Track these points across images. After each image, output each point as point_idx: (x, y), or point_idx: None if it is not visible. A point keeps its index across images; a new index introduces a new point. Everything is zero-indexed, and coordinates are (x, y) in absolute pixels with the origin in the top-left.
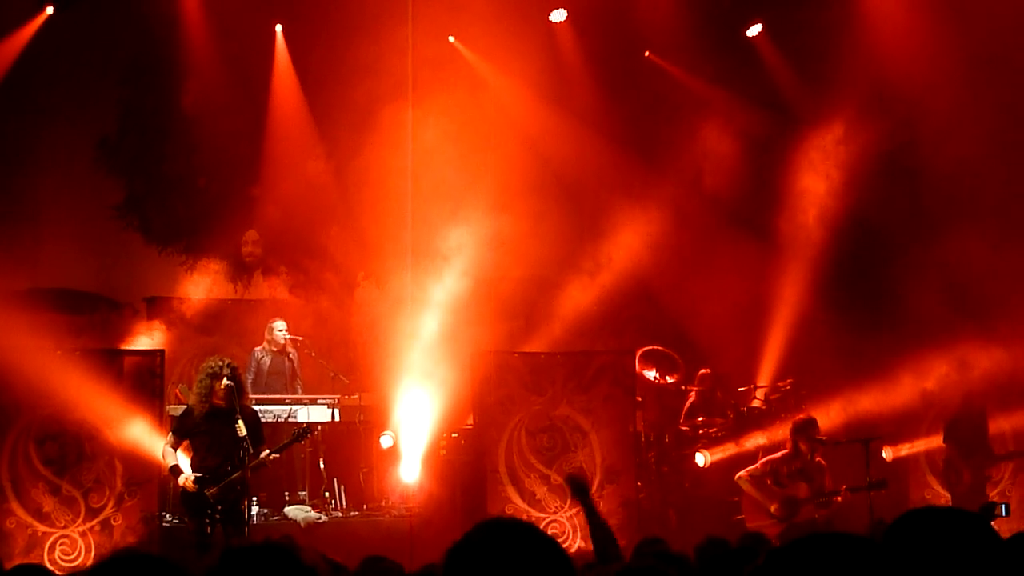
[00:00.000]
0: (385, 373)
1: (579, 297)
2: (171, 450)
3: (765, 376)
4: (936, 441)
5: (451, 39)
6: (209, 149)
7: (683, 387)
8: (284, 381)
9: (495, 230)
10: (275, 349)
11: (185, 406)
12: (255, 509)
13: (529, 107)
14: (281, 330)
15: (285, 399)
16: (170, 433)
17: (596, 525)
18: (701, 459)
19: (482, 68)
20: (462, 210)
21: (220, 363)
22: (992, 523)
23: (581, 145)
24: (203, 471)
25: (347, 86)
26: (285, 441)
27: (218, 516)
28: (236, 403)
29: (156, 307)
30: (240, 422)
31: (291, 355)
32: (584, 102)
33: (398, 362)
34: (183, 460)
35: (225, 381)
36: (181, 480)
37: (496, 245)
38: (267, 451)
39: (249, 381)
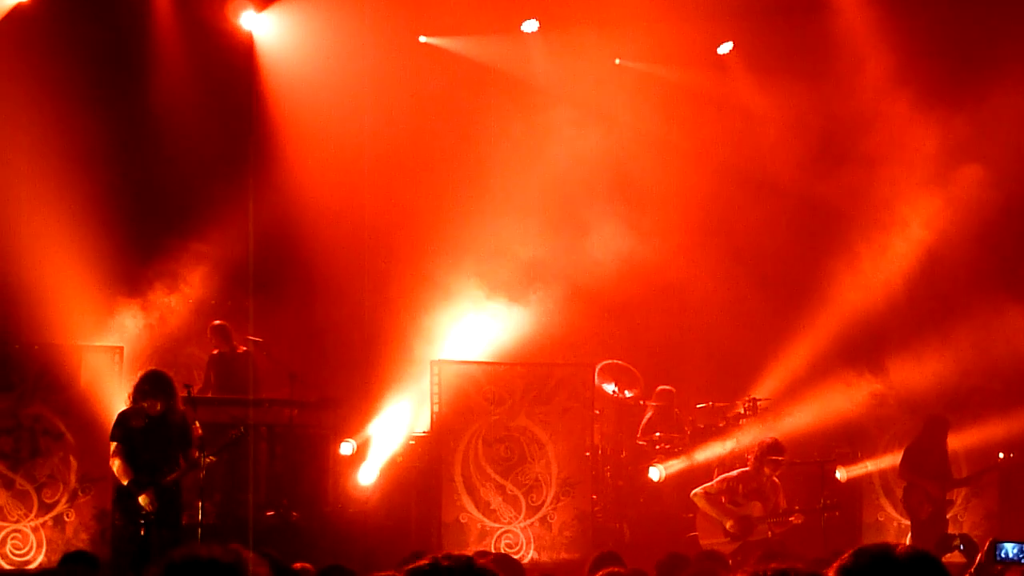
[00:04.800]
0: (344, 377)
1: (541, 309)
2: (126, 465)
3: (725, 394)
4: (891, 460)
5: None
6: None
7: (641, 402)
8: (226, 382)
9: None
10: (213, 351)
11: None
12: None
13: (490, 109)
14: (216, 331)
15: (245, 400)
16: (116, 444)
17: None
18: (656, 473)
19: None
20: (417, 214)
21: (150, 374)
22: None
23: None
24: (137, 476)
25: None
26: (222, 444)
27: (152, 518)
28: (168, 409)
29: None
30: (173, 428)
31: (238, 357)
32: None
33: (359, 366)
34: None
35: (151, 386)
36: (142, 500)
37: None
38: (200, 455)
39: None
